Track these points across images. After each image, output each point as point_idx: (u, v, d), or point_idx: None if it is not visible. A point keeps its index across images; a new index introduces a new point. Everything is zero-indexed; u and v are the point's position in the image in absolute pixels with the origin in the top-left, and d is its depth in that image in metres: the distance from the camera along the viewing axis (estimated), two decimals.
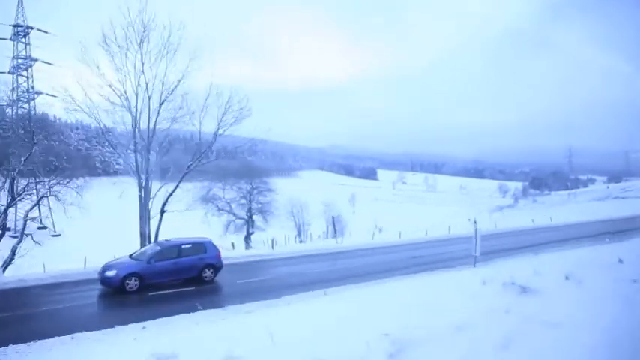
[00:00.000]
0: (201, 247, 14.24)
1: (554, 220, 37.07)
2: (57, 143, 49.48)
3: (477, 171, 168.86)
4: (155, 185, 20.03)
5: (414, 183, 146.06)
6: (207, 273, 13.97)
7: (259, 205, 37.68)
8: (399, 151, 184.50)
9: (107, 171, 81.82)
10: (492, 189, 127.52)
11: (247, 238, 35.41)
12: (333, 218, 50.55)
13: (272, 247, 27.98)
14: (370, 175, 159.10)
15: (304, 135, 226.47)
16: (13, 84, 51.89)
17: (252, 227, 36.83)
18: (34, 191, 20.84)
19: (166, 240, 14.80)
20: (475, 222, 16.18)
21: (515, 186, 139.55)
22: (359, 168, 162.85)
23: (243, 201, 37.20)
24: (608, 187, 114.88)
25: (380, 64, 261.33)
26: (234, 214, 36.83)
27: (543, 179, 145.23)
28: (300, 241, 44.22)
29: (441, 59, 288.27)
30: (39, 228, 40.14)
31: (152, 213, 19.83)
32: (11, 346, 8.01)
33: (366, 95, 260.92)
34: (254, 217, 37.26)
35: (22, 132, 30.36)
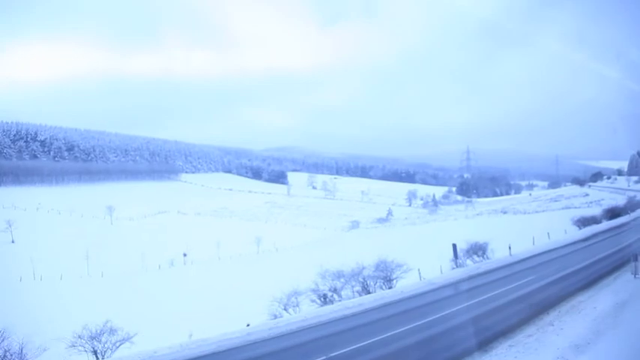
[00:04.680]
0: None
1: None
2: None
3: (408, 175, 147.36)
4: None
5: (322, 188, 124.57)
6: None
7: None
8: (346, 152, 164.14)
9: None
10: (401, 195, 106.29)
11: None
12: None
13: None
14: (280, 178, 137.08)
15: (245, 135, 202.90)
16: None
17: None
18: None
19: None
20: None
21: (436, 191, 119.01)
22: (268, 171, 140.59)
23: None
24: (530, 195, 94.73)
25: (347, 56, 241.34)
26: None
27: (473, 184, 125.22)
28: None
29: (410, 55, 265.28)
30: None
31: None
32: None
33: (327, 90, 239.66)
34: None
35: None
